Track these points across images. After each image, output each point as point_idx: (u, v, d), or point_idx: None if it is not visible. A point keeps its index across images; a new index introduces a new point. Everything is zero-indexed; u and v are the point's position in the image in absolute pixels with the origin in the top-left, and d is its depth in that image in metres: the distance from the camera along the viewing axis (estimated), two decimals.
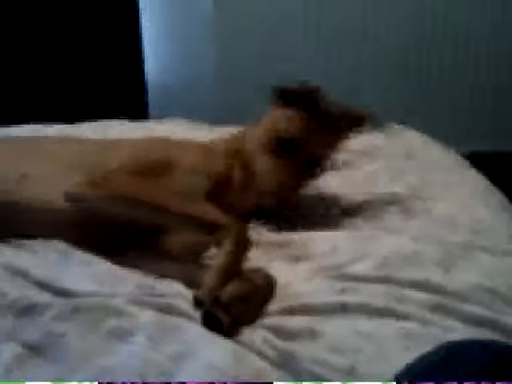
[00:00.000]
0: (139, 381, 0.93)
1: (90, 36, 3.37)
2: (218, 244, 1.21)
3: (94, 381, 0.93)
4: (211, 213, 1.27)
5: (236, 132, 1.63)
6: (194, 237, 1.33)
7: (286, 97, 1.52)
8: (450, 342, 0.83)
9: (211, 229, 1.23)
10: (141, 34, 3.42)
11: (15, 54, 3.31)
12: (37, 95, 3.33)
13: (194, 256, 1.33)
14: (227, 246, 1.19)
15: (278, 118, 1.51)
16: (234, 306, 1.07)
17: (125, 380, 0.93)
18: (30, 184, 1.37)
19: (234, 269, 1.17)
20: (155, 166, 1.40)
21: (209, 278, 1.14)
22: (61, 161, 1.43)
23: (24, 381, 0.93)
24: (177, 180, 1.39)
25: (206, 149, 1.54)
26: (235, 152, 1.52)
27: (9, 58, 3.31)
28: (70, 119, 2.20)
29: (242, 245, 1.22)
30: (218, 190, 1.44)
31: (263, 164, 1.47)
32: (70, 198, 1.32)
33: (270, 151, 1.47)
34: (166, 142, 1.58)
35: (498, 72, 3.68)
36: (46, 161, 1.44)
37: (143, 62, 3.48)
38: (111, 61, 3.40)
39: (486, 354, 0.74)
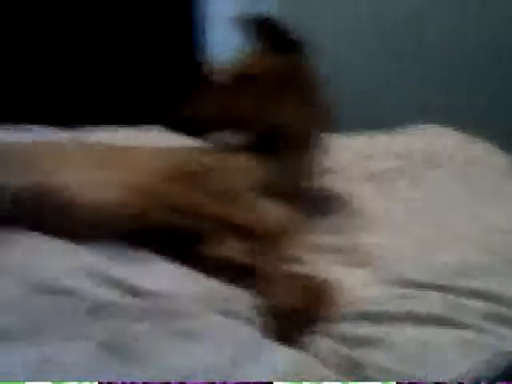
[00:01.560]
0: (139, 381, 0.95)
1: (144, 40, 3.39)
2: (260, 251, 1.24)
3: (95, 381, 0.95)
4: (246, 219, 1.30)
5: None
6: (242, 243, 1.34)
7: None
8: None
9: (248, 235, 1.26)
10: (196, 40, 3.44)
11: (65, 55, 3.36)
12: (100, 99, 3.39)
13: (250, 258, 1.36)
14: (268, 253, 1.22)
15: None
16: (294, 316, 1.08)
17: (125, 380, 0.95)
18: (90, 190, 1.41)
19: (284, 274, 1.19)
20: (198, 171, 1.44)
21: (263, 288, 1.16)
22: (126, 169, 1.47)
23: (24, 381, 0.95)
24: (220, 181, 1.42)
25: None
26: None
27: (59, 59, 3.35)
28: (132, 123, 2.25)
29: (282, 249, 1.24)
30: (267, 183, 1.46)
31: None
32: (122, 207, 1.36)
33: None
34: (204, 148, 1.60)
35: None
36: (107, 168, 1.48)
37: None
38: (166, 68, 3.43)
39: None
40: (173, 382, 0.96)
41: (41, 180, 1.43)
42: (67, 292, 1.16)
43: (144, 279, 1.20)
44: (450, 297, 1.17)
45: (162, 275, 1.23)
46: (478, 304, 1.15)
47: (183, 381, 0.96)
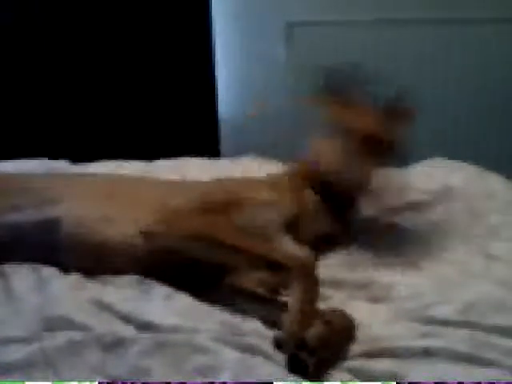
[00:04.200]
0: (139, 381, 0.94)
1: (165, 78, 3.44)
2: (286, 284, 1.22)
3: (94, 380, 0.95)
4: (278, 252, 1.29)
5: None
6: (267, 274, 1.34)
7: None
8: None
9: (278, 268, 1.25)
10: (214, 76, 3.48)
11: (91, 90, 3.43)
12: (115, 134, 3.43)
13: (270, 292, 1.34)
14: (296, 287, 1.19)
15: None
16: (319, 351, 1.07)
17: (125, 380, 0.95)
18: (110, 224, 1.41)
19: (309, 309, 1.17)
20: (224, 203, 1.43)
21: (288, 321, 1.14)
22: (137, 201, 1.47)
23: (24, 381, 0.95)
24: (247, 217, 1.41)
25: (269, 183, 1.59)
26: (304, 180, 1.59)
27: (85, 93, 3.43)
28: (145, 157, 2.26)
29: (311, 284, 1.22)
30: (293, 221, 1.47)
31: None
32: (144, 236, 1.36)
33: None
34: (231, 181, 1.62)
35: None
36: (124, 201, 1.48)
37: (216, 102, 3.54)
38: (185, 100, 3.47)
39: None
40: (173, 381, 0.95)
41: (49, 213, 1.43)
42: (81, 328, 1.14)
43: (157, 314, 1.18)
44: (477, 334, 1.14)
45: (175, 310, 1.21)
46: (505, 341, 1.12)
47: (183, 381, 0.96)
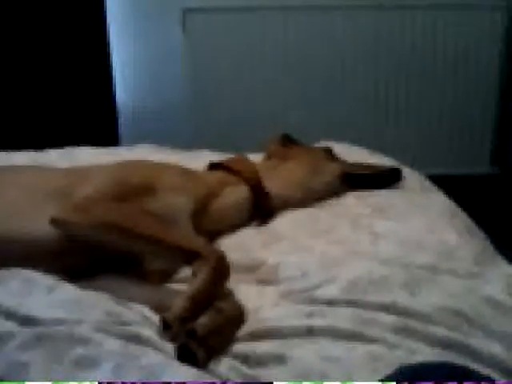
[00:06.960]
0: (139, 381, 0.93)
1: (60, 64, 3.37)
2: (196, 272, 1.21)
3: (94, 381, 0.93)
4: (192, 240, 1.29)
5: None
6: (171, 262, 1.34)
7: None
8: (406, 366, 0.84)
9: (191, 257, 1.24)
10: (110, 62, 3.43)
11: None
12: (4, 122, 3.32)
13: (164, 279, 1.35)
14: (204, 274, 1.19)
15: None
16: (209, 339, 1.06)
17: (125, 380, 0.94)
18: (7, 215, 1.35)
19: (207, 297, 1.17)
20: (137, 188, 1.41)
21: (180, 302, 1.14)
22: (36, 189, 1.42)
23: (24, 380, 0.93)
24: (159, 202, 1.40)
25: (186, 171, 1.58)
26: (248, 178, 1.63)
27: None
28: (39, 147, 2.19)
29: (220, 275, 1.22)
30: (199, 211, 1.48)
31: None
32: (56, 223, 1.31)
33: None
34: (144, 164, 1.59)
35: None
36: (21, 190, 1.42)
37: (114, 91, 3.48)
38: (81, 88, 3.40)
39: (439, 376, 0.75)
40: (172, 382, 0.94)
41: None
42: None
43: (39, 307, 1.15)
44: (359, 312, 1.17)
45: (59, 302, 1.17)
46: (387, 318, 1.16)
47: (182, 380, 0.94)
